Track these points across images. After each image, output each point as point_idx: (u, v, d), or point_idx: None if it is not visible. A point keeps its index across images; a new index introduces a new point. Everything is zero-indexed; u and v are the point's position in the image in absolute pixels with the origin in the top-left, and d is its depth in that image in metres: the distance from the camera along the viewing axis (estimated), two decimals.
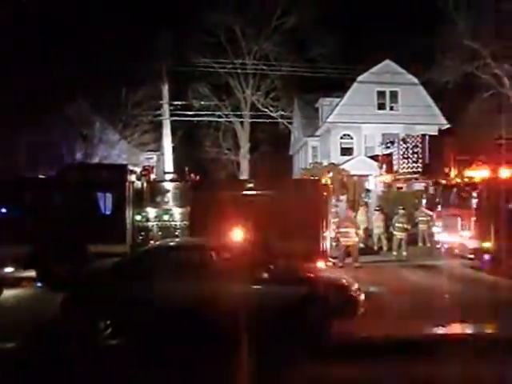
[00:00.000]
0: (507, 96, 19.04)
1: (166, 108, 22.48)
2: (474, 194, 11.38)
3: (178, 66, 23.15)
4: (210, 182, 13.42)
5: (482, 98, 19.22)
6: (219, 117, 28.27)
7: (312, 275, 7.36)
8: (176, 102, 23.62)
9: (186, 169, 12.05)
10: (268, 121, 28.21)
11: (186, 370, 5.62)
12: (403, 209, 14.87)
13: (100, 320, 6.52)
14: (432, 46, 19.27)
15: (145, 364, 5.66)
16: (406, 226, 14.42)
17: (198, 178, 12.04)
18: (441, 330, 7.06)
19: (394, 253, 14.41)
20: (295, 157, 34.68)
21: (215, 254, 6.98)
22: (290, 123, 30.72)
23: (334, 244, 12.60)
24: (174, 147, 23.06)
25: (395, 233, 14.47)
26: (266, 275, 6.72)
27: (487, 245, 10.85)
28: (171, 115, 22.94)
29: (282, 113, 28.64)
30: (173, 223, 10.98)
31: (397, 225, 14.43)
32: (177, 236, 10.72)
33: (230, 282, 6.66)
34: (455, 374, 5.39)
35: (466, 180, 11.92)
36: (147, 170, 11.61)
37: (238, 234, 9.53)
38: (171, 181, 12.00)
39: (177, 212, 11.01)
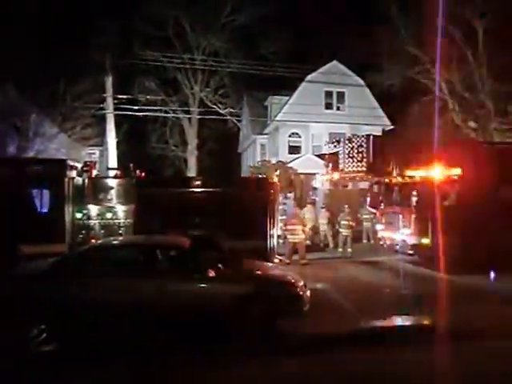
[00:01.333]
0: (444, 100, 20.08)
1: (109, 101, 21.56)
2: (414, 193, 11.89)
3: (123, 59, 22.30)
4: (155, 179, 13.05)
5: (423, 102, 20.13)
6: (166, 112, 27.60)
7: (259, 273, 7.33)
8: (121, 96, 22.71)
9: (131, 165, 11.62)
10: (216, 117, 27.93)
11: (130, 373, 5.39)
12: (348, 207, 15.28)
13: (33, 325, 6.10)
14: (376, 50, 19.89)
15: (82, 370, 5.37)
16: (351, 223, 14.80)
17: (143, 174, 11.65)
18: (382, 324, 7.27)
19: (340, 250, 14.75)
20: (244, 154, 34.71)
21: (160, 253, 6.78)
22: (239, 121, 30.64)
23: (281, 241, 12.70)
24: (118, 142, 22.20)
25: (341, 230, 14.81)
26: (212, 273, 6.60)
27: (425, 241, 11.38)
28: (115, 109, 22.04)
29: (231, 110, 28.39)
30: (116, 221, 10.56)
31: (342, 222, 14.78)
32: (120, 234, 10.34)
33: (176, 281, 6.49)
34: (394, 370, 5.56)
35: (407, 179, 12.42)
36: (89, 166, 11.04)
37: (184, 232, 9.32)
38: (115, 177, 11.50)
39: (120, 210, 10.61)
